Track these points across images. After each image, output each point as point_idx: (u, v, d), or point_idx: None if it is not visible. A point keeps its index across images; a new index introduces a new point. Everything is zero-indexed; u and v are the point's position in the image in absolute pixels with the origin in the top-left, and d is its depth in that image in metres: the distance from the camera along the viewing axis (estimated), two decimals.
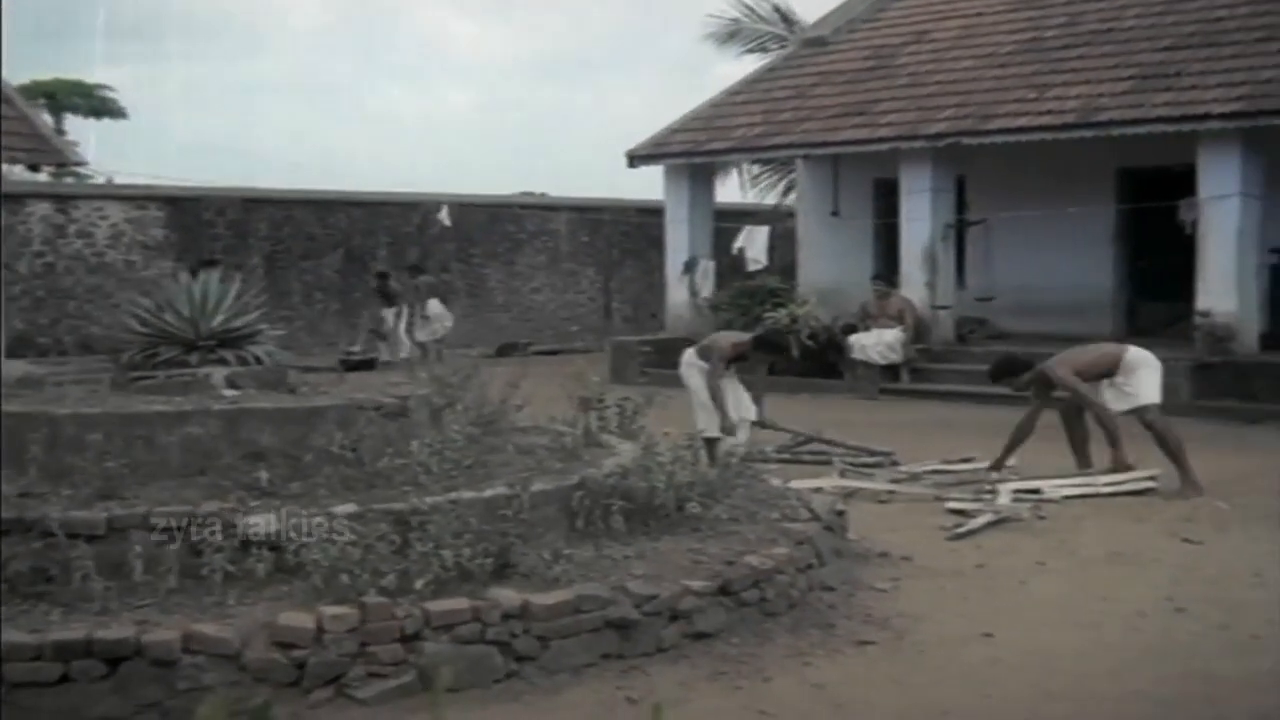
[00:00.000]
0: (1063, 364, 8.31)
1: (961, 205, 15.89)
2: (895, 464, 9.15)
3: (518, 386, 6.90)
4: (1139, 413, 8.27)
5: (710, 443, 8.48)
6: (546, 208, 22.76)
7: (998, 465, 8.46)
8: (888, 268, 15.89)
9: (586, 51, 53.43)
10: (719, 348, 9.10)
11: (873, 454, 9.46)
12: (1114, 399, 8.25)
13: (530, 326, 21.84)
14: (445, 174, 46.38)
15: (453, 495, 5.09)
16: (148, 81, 49.34)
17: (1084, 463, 8.47)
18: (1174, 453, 8.18)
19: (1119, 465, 8.20)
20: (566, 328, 22.16)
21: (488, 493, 5.18)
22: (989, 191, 16.03)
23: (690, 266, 16.92)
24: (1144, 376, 8.23)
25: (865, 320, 14.59)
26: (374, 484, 5.24)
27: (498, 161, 47.60)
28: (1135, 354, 8.32)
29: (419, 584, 4.56)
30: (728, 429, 8.77)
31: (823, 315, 14.93)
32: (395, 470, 5.35)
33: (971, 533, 7.07)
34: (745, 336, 9.53)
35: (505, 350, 19.44)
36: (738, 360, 9.11)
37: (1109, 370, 8.28)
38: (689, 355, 9.35)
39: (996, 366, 8.76)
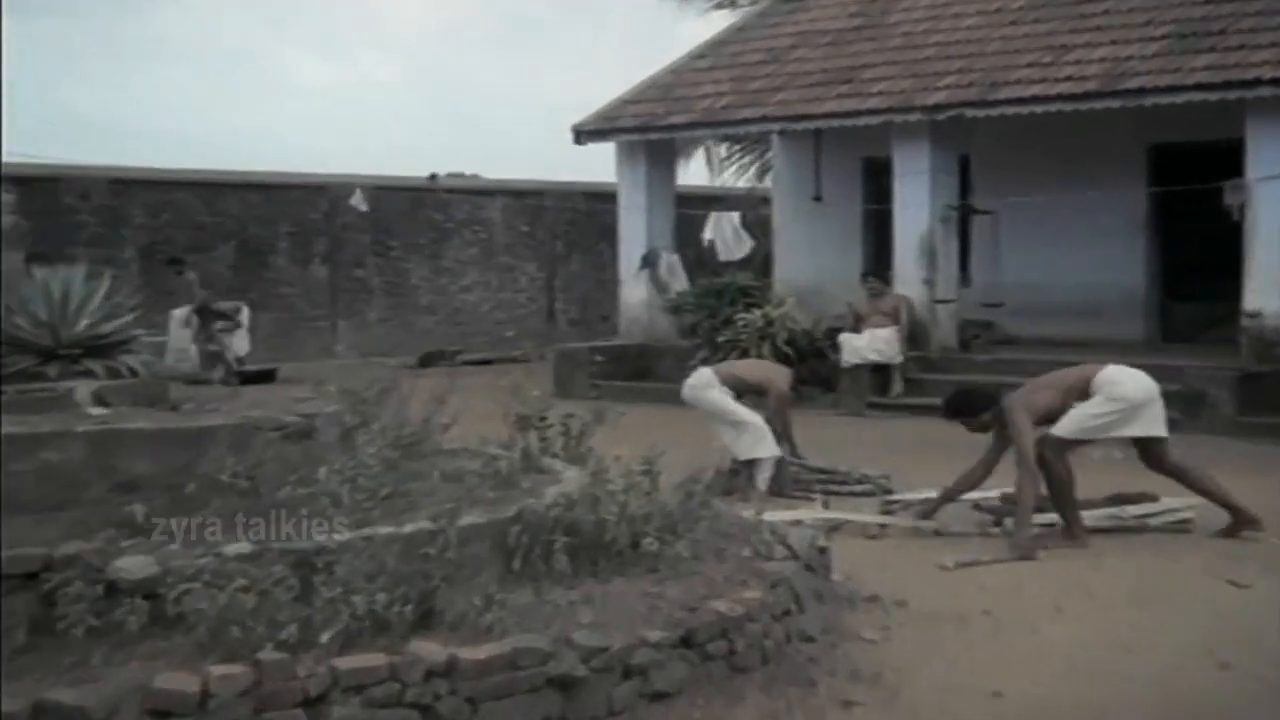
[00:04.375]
0: (1023, 401, 7.99)
1: (965, 190, 16.03)
2: (888, 492, 9.23)
3: (444, 402, 6.87)
4: (1149, 449, 8.08)
5: (748, 466, 9.07)
6: (479, 192, 22.78)
7: (933, 508, 8.31)
8: (878, 263, 16.05)
9: (526, 9, 53.46)
10: (778, 387, 9.77)
11: (864, 480, 9.53)
12: (1072, 425, 7.90)
13: (460, 331, 21.89)
14: (362, 153, 46.14)
15: (366, 531, 5.08)
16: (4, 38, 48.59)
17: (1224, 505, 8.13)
18: (1207, 488, 8.12)
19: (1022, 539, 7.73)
20: (502, 332, 22.26)
21: (408, 528, 5.16)
22: (997, 173, 16.16)
23: (649, 261, 17.05)
24: (1128, 402, 7.89)
25: (856, 324, 14.72)
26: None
27: (423, 139, 47.50)
28: (1112, 373, 7.99)
29: (325, 637, 4.54)
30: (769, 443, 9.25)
31: (802, 318, 15.02)
32: (298, 502, 5.33)
33: (977, 563, 7.18)
34: (790, 373, 10.10)
35: (430, 359, 19.48)
36: (756, 392, 9.75)
37: (1084, 394, 8.02)
38: (704, 377, 9.71)
39: (950, 402, 8.46)
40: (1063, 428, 7.90)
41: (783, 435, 9.75)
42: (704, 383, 9.69)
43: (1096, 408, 7.89)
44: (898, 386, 14.40)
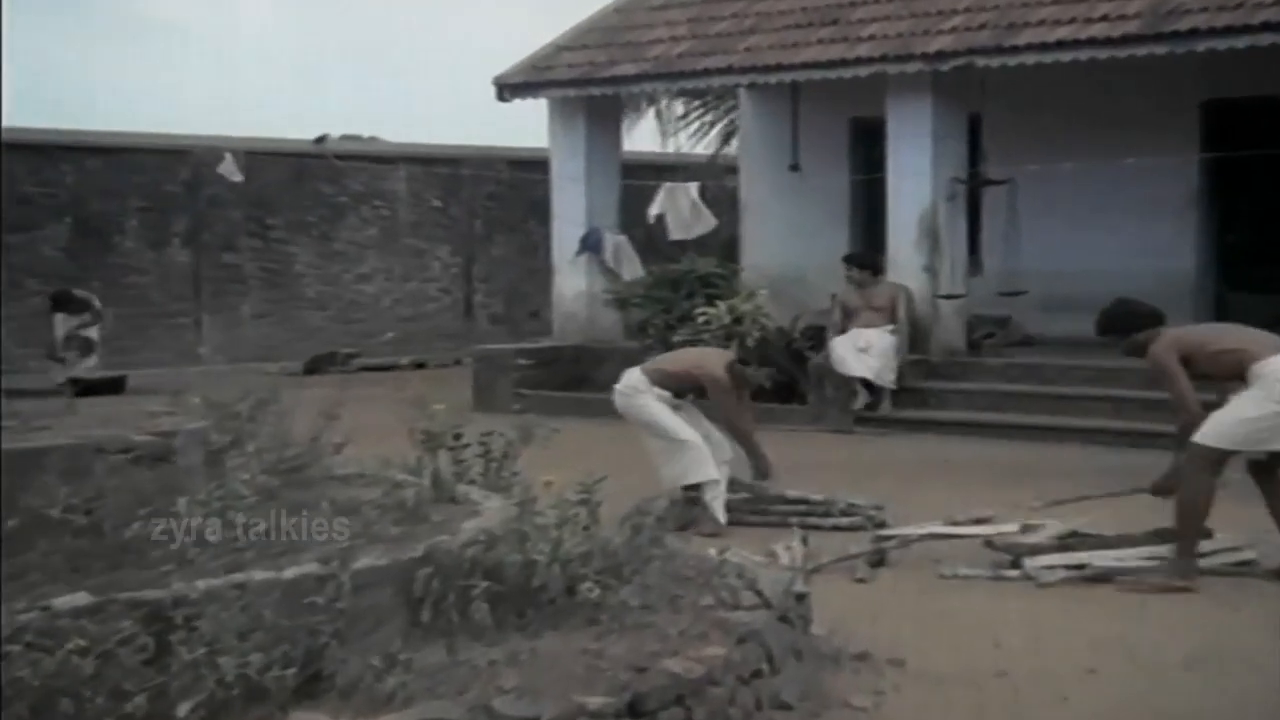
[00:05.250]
0: (1174, 341, 8.17)
1: (975, 157, 15.95)
2: (881, 525, 9.33)
3: (336, 417, 6.88)
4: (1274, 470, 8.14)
5: (692, 491, 9.23)
6: (379, 159, 22.82)
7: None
8: (869, 246, 16.11)
9: None
10: (711, 374, 9.70)
11: (851, 511, 9.61)
12: (1223, 430, 7.91)
13: (356, 330, 21.93)
14: (236, 112, 45.77)
15: (238, 577, 5.06)
16: None
17: None
18: None
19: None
20: (409, 331, 22.19)
21: (290, 572, 5.15)
22: (1015, 137, 16.10)
23: (590, 243, 17.10)
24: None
25: (843, 318, 14.69)
26: (119, 562, 5.18)
27: (309, 93, 47.17)
28: (1277, 364, 7.92)
29: (184, 709, 4.51)
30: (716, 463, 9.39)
31: (776, 313, 15.01)
32: (151, 542, 5.30)
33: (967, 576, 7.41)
34: (729, 355, 10.09)
35: (319, 364, 19.49)
36: (696, 389, 9.75)
37: (1237, 370, 8.07)
38: (633, 379, 9.76)
39: (1107, 315, 8.68)
40: (1211, 433, 7.90)
41: (739, 442, 9.85)
42: (633, 386, 9.76)
43: (1255, 408, 7.88)
44: (885, 406, 14.44)
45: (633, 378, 9.85)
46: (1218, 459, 7.95)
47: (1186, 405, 8.03)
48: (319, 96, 46.36)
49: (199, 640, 4.69)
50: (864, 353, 14.29)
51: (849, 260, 15.14)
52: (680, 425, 9.56)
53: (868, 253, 15.37)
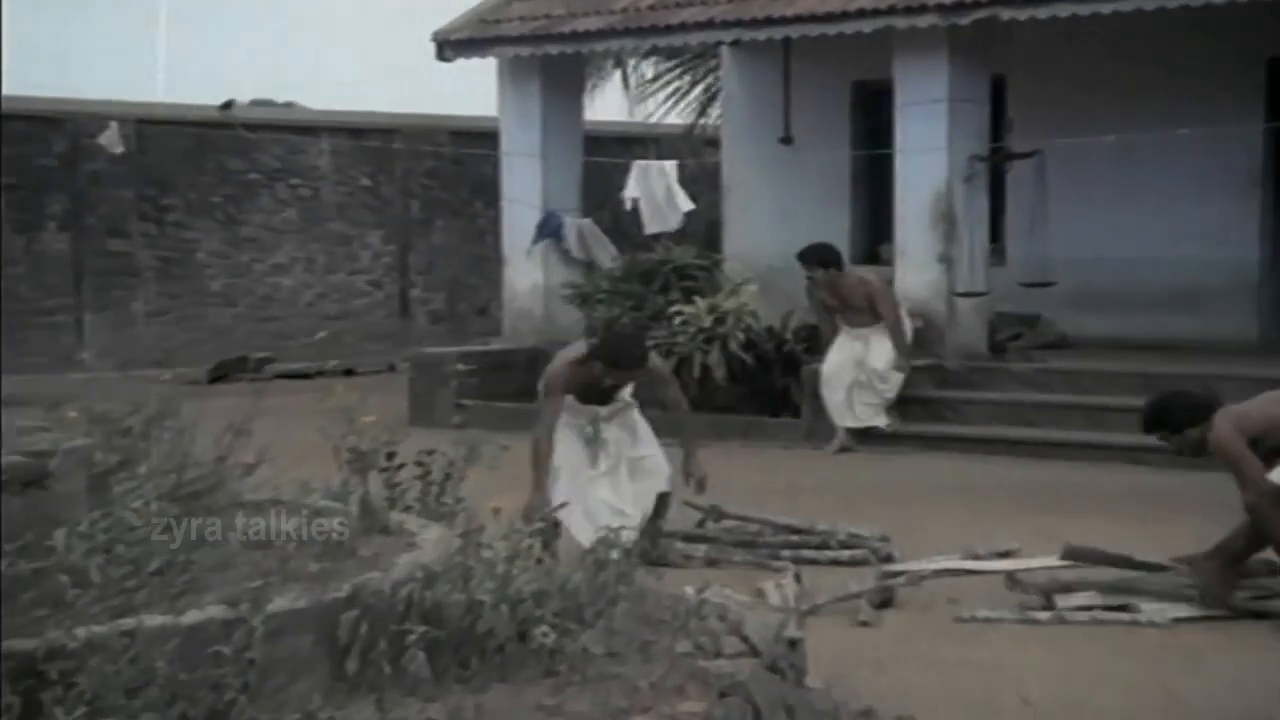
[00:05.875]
0: (1234, 419, 8.36)
1: (998, 127, 16.04)
2: (888, 559, 9.37)
3: (248, 433, 6.83)
4: None
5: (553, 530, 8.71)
6: (297, 129, 22.76)
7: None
8: (873, 232, 16.28)
9: None
10: (551, 376, 9.45)
11: (853, 542, 9.60)
12: None
13: (270, 331, 21.96)
14: (120, 69, 45.43)
15: (127, 623, 5.01)
16: None
17: None
18: None
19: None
20: (334, 331, 22.04)
21: (191, 616, 5.12)
22: (1046, 103, 16.24)
23: (548, 229, 17.16)
24: None
25: (830, 326, 14.60)
26: None
27: (213, 51, 46.87)
28: None
29: None
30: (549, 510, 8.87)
31: (765, 311, 15.05)
32: (21, 582, 5.26)
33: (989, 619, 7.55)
34: (583, 347, 9.80)
35: (226, 371, 19.51)
36: (595, 386, 9.46)
37: None
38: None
39: (1156, 409, 8.76)
40: None
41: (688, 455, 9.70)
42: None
43: None
44: (882, 420, 14.36)
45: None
46: None
47: (1258, 485, 8.11)
48: (224, 54, 46.08)
49: (77, 699, 4.65)
50: (864, 388, 14.24)
51: (802, 260, 14.72)
52: (563, 443, 9.38)
53: (821, 249, 14.79)
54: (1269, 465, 8.15)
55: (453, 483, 7.28)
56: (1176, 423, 8.51)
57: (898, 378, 14.26)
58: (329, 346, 21.20)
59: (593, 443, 9.49)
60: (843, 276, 14.60)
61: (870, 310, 14.42)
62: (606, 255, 17.07)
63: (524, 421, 13.08)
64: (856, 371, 14.25)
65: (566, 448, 9.38)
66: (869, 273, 15.22)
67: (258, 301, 22.40)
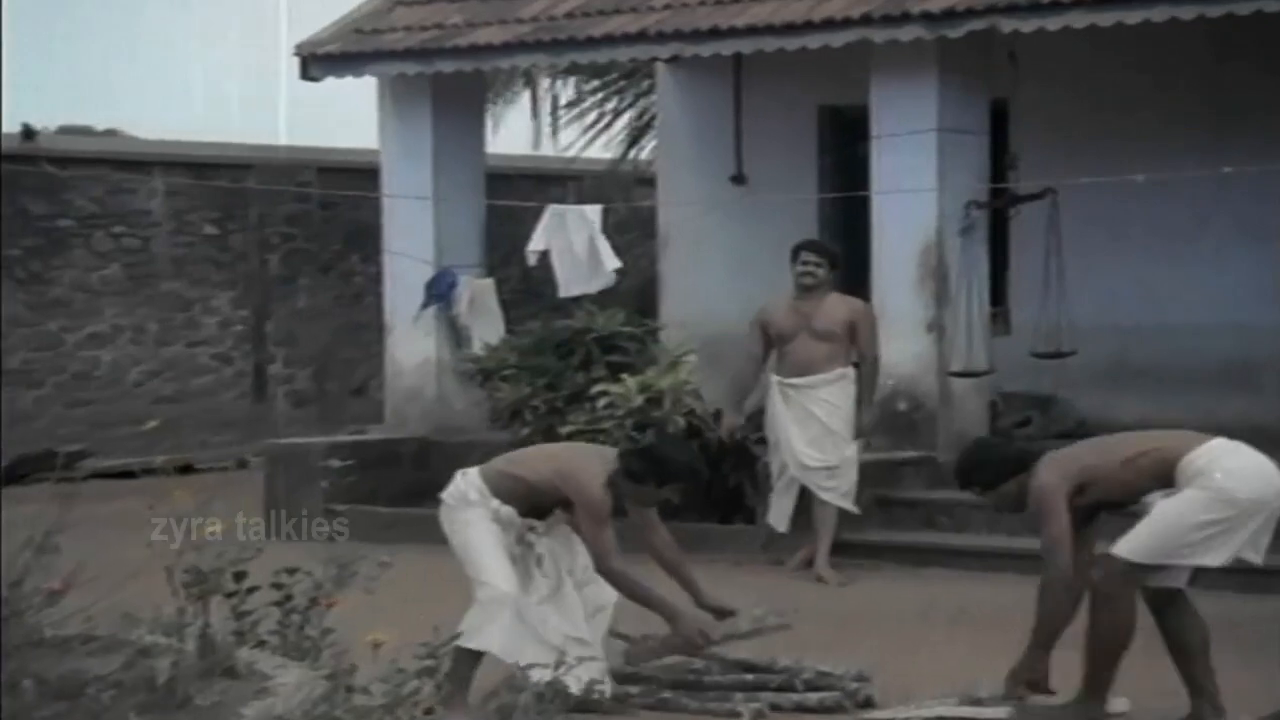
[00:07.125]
0: (1059, 466, 8.58)
1: (999, 163, 15.40)
2: (867, 702, 9.09)
3: (54, 549, 6.30)
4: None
5: (467, 658, 8.71)
6: (123, 162, 21.92)
7: (1035, 683, 8.63)
8: (843, 293, 14.99)
9: None
10: (599, 505, 9.03)
11: (823, 682, 9.12)
12: (1154, 541, 8.30)
13: (85, 417, 21.08)
14: None
15: None
16: None
17: (1198, 692, 8.53)
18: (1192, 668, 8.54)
19: (1023, 677, 8.54)
20: (169, 418, 20.84)
21: None
22: (1058, 134, 15.80)
23: (440, 289, 16.43)
24: (1240, 505, 8.20)
25: (765, 349, 13.36)
26: None
27: (15, 68, 46.03)
28: (1219, 452, 8.35)
29: None
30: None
31: (710, 390, 14.29)
32: None
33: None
34: (611, 461, 9.32)
35: (27, 468, 18.40)
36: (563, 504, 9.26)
37: (1160, 474, 8.42)
38: (466, 484, 9.22)
39: (965, 461, 9.08)
40: (1136, 544, 8.23)
41: (675, 578, 9.35)
42: (462, 495, 9.21)
43: (1198, 511, 8.19)
44: (847, 502, 13.12)
45: (466, 482, 9.21)
46: (1141, 579, 8.35)
47: (1062, 552, 8.36)
48: (27, 69, 45.67)
49: None
50: (818, 456, 13.01)
51: (805, 249, 13.50)
52: (496, 564, 8.99)
53: (821, 242, 14.12)
54: (1090, 519, 8.48)
55: (319, 610, 7.37)
56: (989, 478, 8.77)
57: (854, 453, 13.13)
58: (162, 437, 20.10)
59: (520, 561, 9.10)
60: (826, 286, 13.39)
61: (841, 341, 13.15)
62: (493, 330, 16.35)
63: (410, 530, 13.54)
64: (808, 451, 13.08)
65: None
66: None
67: (69, 381, 21.27)
